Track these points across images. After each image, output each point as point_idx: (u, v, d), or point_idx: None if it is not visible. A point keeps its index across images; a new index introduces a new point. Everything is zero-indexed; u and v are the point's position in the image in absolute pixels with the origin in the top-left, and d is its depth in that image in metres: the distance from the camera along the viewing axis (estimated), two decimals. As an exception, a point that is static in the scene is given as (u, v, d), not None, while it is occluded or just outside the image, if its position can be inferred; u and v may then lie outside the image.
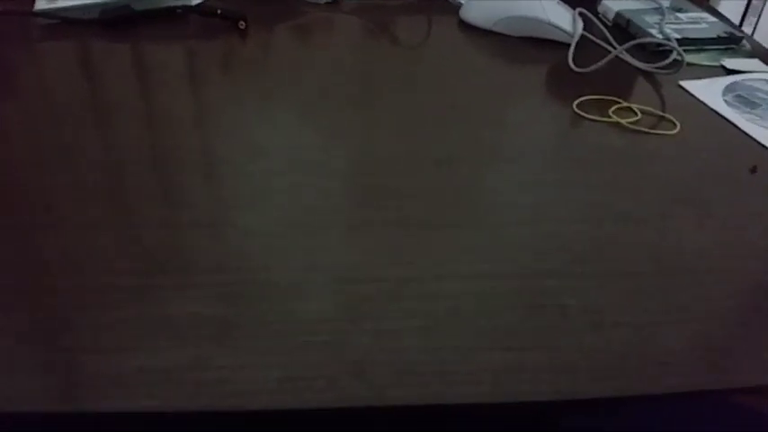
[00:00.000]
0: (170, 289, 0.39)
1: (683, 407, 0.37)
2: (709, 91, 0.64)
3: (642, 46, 0.70)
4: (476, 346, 0.37)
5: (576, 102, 0.60)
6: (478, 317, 0.38)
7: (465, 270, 0.42)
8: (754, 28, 1.18)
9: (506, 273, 0.42)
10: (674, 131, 0.57)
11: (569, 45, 0.68)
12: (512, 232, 0.45)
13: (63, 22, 0.69)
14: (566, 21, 0.71)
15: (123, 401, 0.33)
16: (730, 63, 0.69)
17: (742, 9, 1.16)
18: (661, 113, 0.60)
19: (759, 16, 1.18)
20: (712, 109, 0.61)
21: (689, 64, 0.67)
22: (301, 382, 0.34)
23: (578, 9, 0.73)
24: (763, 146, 0.56)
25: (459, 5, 0.77)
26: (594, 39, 0.71)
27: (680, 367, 0.36)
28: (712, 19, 0.76)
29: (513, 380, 0.35)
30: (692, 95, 0.63)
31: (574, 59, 0.66)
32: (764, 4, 1.18)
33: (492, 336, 0.37)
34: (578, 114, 0.59)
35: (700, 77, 0.66)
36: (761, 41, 0.75)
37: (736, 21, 1.25)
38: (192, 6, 0.73)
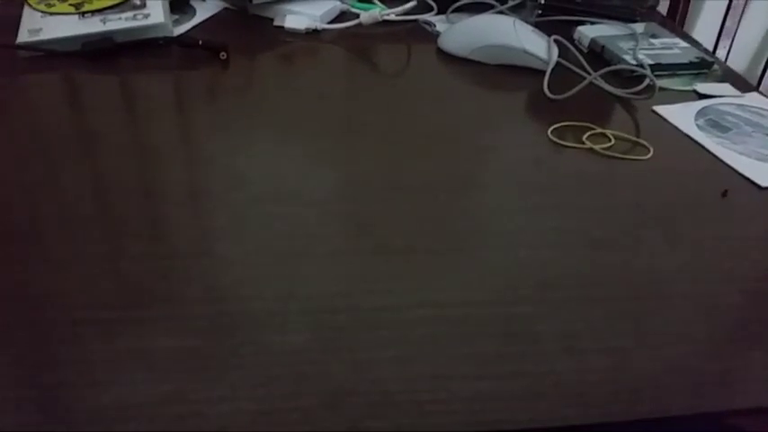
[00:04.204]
0: (146, 322, 0.39)
1: (655, 432, 0.37)
2: (681, 116, 0.65)
3: (616, 72, 0.71)
4: (450, 374, 0.37)
5: (550, 128, 0.61)
6: (453, 345, 0.39)
7: (440, 298, 0.42)
8: (729, 50, 1.22)
9: (480, 300, 0.42)
10: (647, 156, 0.58)
11: (545, 72, 0.70)
12: (486, 259, 0.46)
13: (46, 54, 0.69)
14: (541, 48, 0.72)
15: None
16: (702, 88, 0.70)
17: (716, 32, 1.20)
18: (635, 139, 0.61)
19: (733, 39, 1.21)
20: (685, 134, 0.63)
21: (662, 89, 0.69)
22: (276, 414, 0.34)
23: (553, 36, 0.75)
24: (734, 170, 0.57)
25: (438, 34, 0.78)
26: (570, 65, 0.73)
27: (653, 392, 0.37)
28: (684, 44, 0.78)
29: (488, 408, 0.35)
30: (666, 120, 0.65)
31: (549, 86, 0.68)
32: (737, 27, 1.21)
33: (466, 364, 0.38)
34: (553, 141, 0.60)
35: (674, 102, 0.68)
36: (736, 61, 0.77)
37: (712, 42, 1.28)
38: (173, 37, 0.73)
